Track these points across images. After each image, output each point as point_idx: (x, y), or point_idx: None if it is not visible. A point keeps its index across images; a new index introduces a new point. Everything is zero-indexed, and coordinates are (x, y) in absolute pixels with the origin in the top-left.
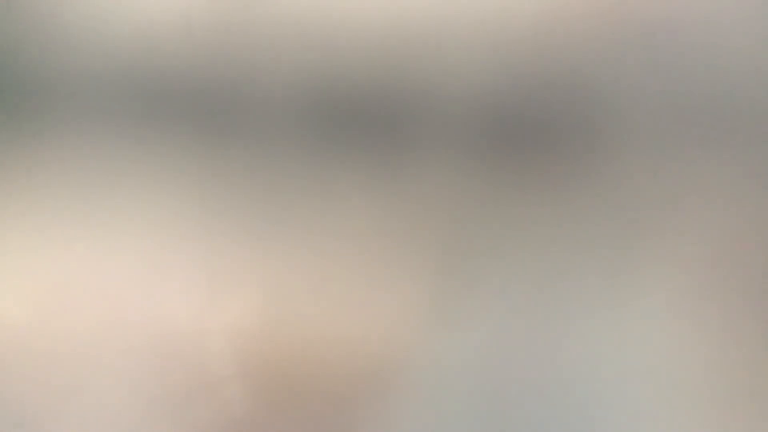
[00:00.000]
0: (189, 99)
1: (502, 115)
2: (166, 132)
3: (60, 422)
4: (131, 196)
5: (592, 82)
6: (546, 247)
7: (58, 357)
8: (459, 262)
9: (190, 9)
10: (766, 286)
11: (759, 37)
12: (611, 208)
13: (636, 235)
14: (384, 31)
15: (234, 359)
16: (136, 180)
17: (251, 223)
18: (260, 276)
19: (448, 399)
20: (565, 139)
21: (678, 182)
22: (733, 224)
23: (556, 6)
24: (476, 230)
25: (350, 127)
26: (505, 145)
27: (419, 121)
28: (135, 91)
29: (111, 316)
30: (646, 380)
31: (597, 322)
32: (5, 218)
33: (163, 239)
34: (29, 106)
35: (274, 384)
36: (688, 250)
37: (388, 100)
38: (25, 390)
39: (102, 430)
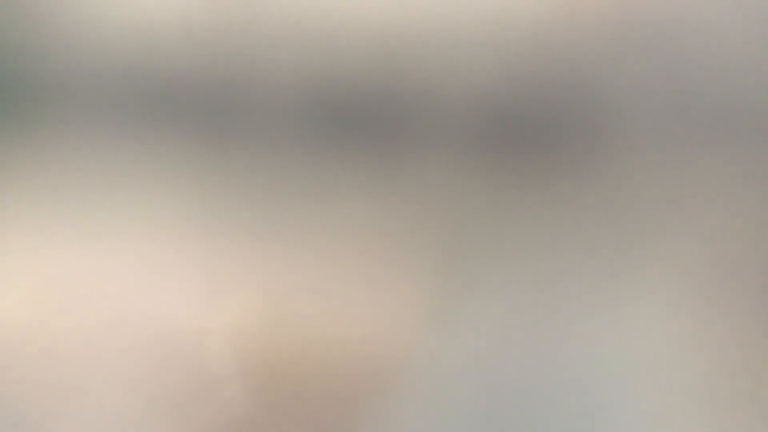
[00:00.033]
0: (189, 99)
1: (502, 115)
2: (166, 132)
3: (60, 422)
4: (131, 196)
5: (592, 82)
6: (546, 247)
7: (58, 357)
8: (459, 262)
9: (190, 9)
10: (766, 286)
11: (759, 37)
12: (611, 208)
13: (636, 235)
14: (384, 31)
15: (234, 359)
16: (136, 180)
17: (251, 223)
18: (260, 276)
19: (448, 399)
20: (565, 139)
21: (678, 182)
22: (733, 224)
23: (556, 6)
24: (476, 230)
25: (350, 127)
26: (505, 145)
27: (419, 121)
28: (135, 91)
29: (111, 316)
30: (646, 380)
31: (597, 322)
32: (5, 218)
33: (163, 239)
34: (29, 106)
35: (274, 384)
36: (688, 250)
37: (389, 101)
38: (25, 390)
39: (102, 430)
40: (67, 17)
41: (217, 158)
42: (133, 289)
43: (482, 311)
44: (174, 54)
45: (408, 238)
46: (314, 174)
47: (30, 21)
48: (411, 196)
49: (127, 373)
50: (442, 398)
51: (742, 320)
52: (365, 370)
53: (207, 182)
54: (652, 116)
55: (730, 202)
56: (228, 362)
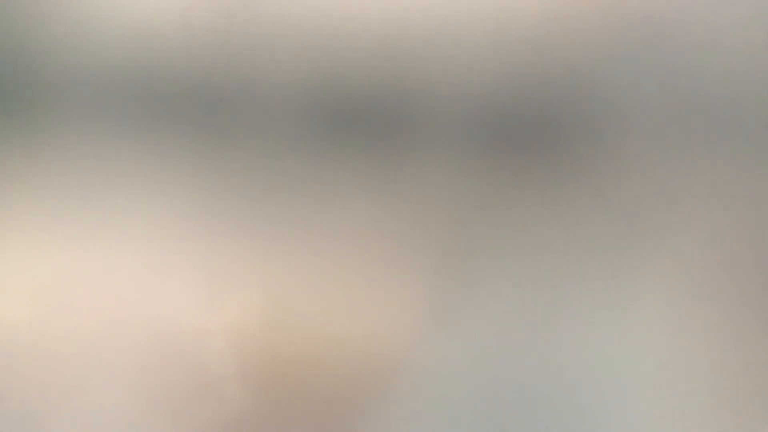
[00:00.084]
0: (189, 99)
1: (502, 115)
2: (166, 132)
3: (60, 422)
4: (131, 196)
5: (592, 82)
6: (546, 247)
7: (58, 357)
8: (459, 262)
9: (190, 9)
10: (766, 286)
11: (759, 37)
12: (611, 208)
13: (636, 235)
14: (384, 32)
15: (234, 359)
16: (136, 180)
17: (251, 223)
18: (260, 276)
19: (448, 399)
20: (565, 139)
21: (678, 182)
22: (733, 224)
23: (556, 6)
24: (476, 230)
25: (350, 127)
26: (505, 145)
27: (419, 121)
28: (135, 91)
29: (111, 316)
30: (646, 380)
31: (597, 321)
32: (5, 218)
33: (163, 239)
34: (29, 105)
35: (274, 384)
36: (688, 250)
37: (389, 100)
38: (25, 390)
39: (102, 430)
40: (67, 17)
41: (217, 158)
42: (133, 289)
43: (482, 311)
44: (174, 54)
45: (408, 238)
46: (314, 174)
47: (30, 21)
48: (411, 196)
49: (127, 373)
50: (442, 398)
51: (742, 320)
52: (365, 370)
53: (207, 182)
54: (652, 116)
55: (730, 202)
56: (228, 362)
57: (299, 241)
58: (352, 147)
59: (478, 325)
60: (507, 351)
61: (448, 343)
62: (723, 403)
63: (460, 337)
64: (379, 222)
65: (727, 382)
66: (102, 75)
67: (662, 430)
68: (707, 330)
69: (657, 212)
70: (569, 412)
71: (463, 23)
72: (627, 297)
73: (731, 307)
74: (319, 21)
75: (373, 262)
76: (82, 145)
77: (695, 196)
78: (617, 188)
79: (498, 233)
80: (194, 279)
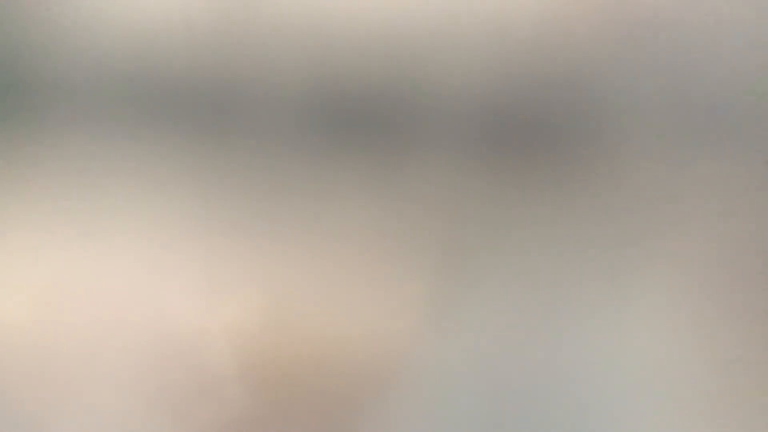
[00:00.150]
0: (189, 99)
1: (503, 115)
2: (166, 132)
3: (60, 422)
4: (131, 196)
5: (592, 82)
6: (546, 247)
7: (58, 357)
8: (459, 262)
9: (190, 9)
10: (766, 285)
11: (759, 37)
12: (611, 208)
13: (636, 235)
14: (384, 31)
15: (234, 359)
16: (136, 180)
17: (251, 224)
18: (260, 276)
19: (448, 399)
20: (565, 139)
21: (678, 182)
22: (733, 224)
23: (556, 6)
24: (476, 230)
25: (350, 127)
26: (505, 144)
27: (419, 121)
28: (135, 91)
29: (111, 315)
30: (645, 380)
31: (597, 321)
32: (5, 218)
33: (163, 239)
34: (29, 106)
35: (274, 384)
36: (687, 250)
37: (389, 100)
38: (25, 390)
39: (102, 430)
40: (67, 17)
41: (217, 158)
42: (133, 289)
43: (482, 311)
44: (174, 54)
45: (408, 238)
46: (314, 174)
47: (30, 21)
48: (411, 196)
49: (127, 373)
50: (442, 398)
51: (742, 320)
52: (365, 370)
53: (207, 183)
54: (651, 116)
55: (730, 202)
56: (228, 362)
57: (299, 241)
58: (352, 147)
59: (477, 324)
60: (507, 351)
61: (448, 342)
62: (723, 403)
63: (460, 337)
64: (379, 222)
65: (727, 382)
66: (102, 75)
67: (662, 430)
68: (707, 330)
69: (657, 212)
70: (569, 412)
71: (463, 23)
72: (627, 297)
73: (731, 307)
74: (319, 21)
75: (373, 262)
76: (82, 145)
77: (695, 196)
78: (617, 188)
79: (498, 233)
80: (194, 279)
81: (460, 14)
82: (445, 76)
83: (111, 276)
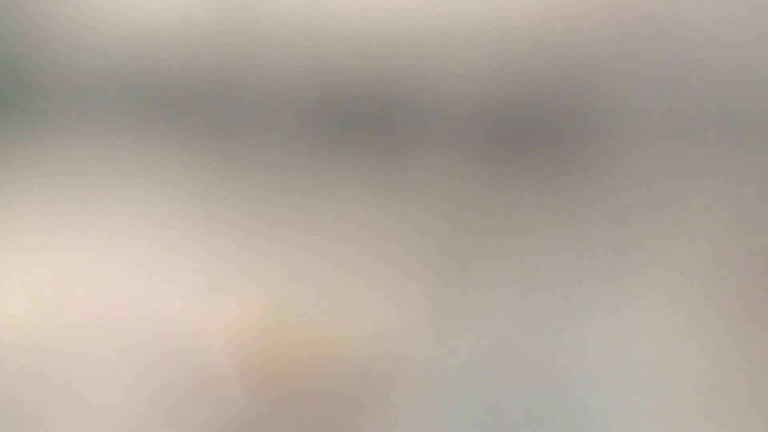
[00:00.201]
0: (189, 99)
1: (502, 115)
2: (166, 132)
3: (60, 422)
4: (131, 196)
5: (593, 81)
6: (546, 247)
7: (58, 357)
8: (459, 262)
9: (190, 9)
10: (766, 285)
11: (759, 37)
12: (611, 208)
13: (636, 235)
14: (384, 31)
15: (234, 359)
16: (136, 180)
17: (251, 224)
18: (260, 276)
19: (448, 399)
20: (566, 140)
21: (678, 182)
22: (733, 224)
23: (556, 6)
24: (476, 230)
25: (350, 127)
26: (505, 144)
27: (419, 121)
28: (135, 91)
29: (111, 315)
30: (645, 380)
31: (597, 321)
32: (5, 218)
33: (163, 239)
34: (29, 106)
35: (274, 384)
36: (687, 250)
37: (389, 100)
38: (25, 390)
39: (102, 430)
40: (67, 17)
41: (216, 158)
42: (133, 289)
43: (482, 311)
44: (174, 54)
45: (408, 238)
46: (314, 174)
47: (30, 21)
48: (411, 197)
49: (127, 372)
50: (442, 398)
51: (742, 320)
52: (365, 370)
53: (207, 182)
54: (651, 116)
55: (730, 202)
56: (228, 362)
57: (299, 241)
58: (352, 147)
59: (477, 324)
60: (506, 351)
61: (448, 342)
62: (723, 403)
63: (460, 337)
64: (379, 222)
65: (727, 382)
66: (102, 75)
67: (662, 430)
68: (707, 330)
69: (657, 212)
70: (569, 412)
71: (463, 24)
72: (627, 297)
73: (731, 307)
74: (319, 21)
75: (373, 262)
76: (82, 145)
77: (695, 196)
78: (617, 188)
79: (498, 233)
80: (194, 279)
81: (460, 14)
82: (445, 76)
83: (111, 276)
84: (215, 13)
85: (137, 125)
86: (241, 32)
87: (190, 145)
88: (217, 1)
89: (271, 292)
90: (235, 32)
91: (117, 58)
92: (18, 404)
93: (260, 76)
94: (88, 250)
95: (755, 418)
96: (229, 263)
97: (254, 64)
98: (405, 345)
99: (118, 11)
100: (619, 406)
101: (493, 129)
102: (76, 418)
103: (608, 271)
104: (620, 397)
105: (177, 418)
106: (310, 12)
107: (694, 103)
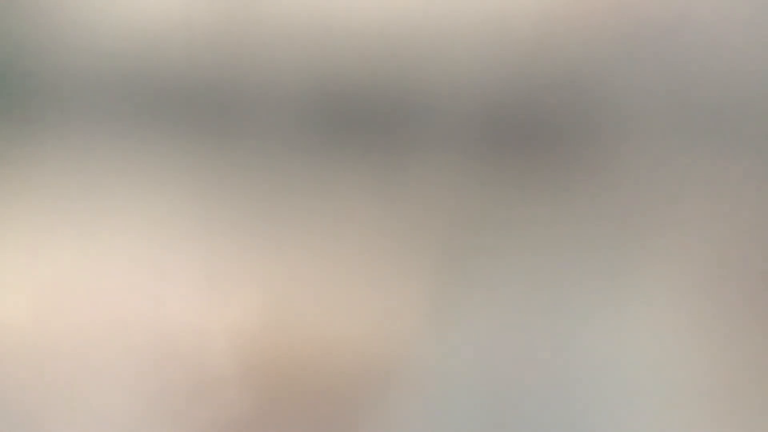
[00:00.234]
0: (189, 99)
1: (503, 115)
2: (166, 132)
3: (60, 422)
4: (131, 196)
5: (593, 82)
6: (546, 247)
7: (58, 357)
8: (459, 262)
9: (190, 9)
10: (767, 285)
11: (759, 37)
12: (611, 207)
13: (636, 234)
14: (384, 31)
15: (234, 359)
16: (136, 180)
17: (251, 224)
18: (261, 276)
19: (448, 399)
20: (566, 140)
21: (678, 182)
22: (734, 224)
23: (557, 6)
24: (476, 230)
25: (351, 128)
26: (505, 144)
27: (420, 122)
28: (135, 91)
29: (111, 316)
30: (646, 380)
31: (597, 321)
32: (5, 218)
33: (163, 239)
34: (29, 106)
35: (274, 384)
36: (688, 250)
37: (389, 101)
38: (25, 390)
39: (102, 430)
40: (67, 17)
41: (217, 158)
42: (133, 289)
43: (482, 311)
44: (174, 54)
45: (408, 238)
46: (314, 174)
47: (30, 21)
48: (411, 197)
49: (127, 373)
50: (442, 398)
51: (743, 320)
52: (365, 370)
53: (207, 182)
54: (652, 116)
55: (731, 202)
56: (228, 362)
57: (299, 241)
58: (352, 147)
59: (477, 324)
60: (506, 350)
61: (448, 342)
62: (723, 403)
63: (460, 337)
64: (379, 222)
65: (727, 382)
66: (102, 75)
67: (662, 430)
68: (707, 329)
69: (657, 212)
70: (569, 412)
71: (463, 24)
72: (627, 297)
73: (731, 307)
74: (320, 21)
75: (373, 262)
76: (82, 145)
77: (695, 196)
78: (617, 188)
79: (498, 233)
80: (194, 279)
81: (460, 14)
82: (445, 76)
83: (111, 276)
84: (215, 13)
85: (137, 125)
86: (242, 32)
87: (190, 145)
88: (217, 1)
89: (271, 292)
90: (235, 32)
91: (117, 58)
92: (18, 404)
93: (260, 76)
94: (88, 250)
95: (755, 418)
96: (229, 263)
97: (254, 64)
98: (405, 345)
99: (118, 11)
100: (619, 406)
101: (493, 129)
102: (76, 418)
103: (608, 271)
104: (620, 397)
105: (177, 418)
106: (310, 12)
107: (694, 103)
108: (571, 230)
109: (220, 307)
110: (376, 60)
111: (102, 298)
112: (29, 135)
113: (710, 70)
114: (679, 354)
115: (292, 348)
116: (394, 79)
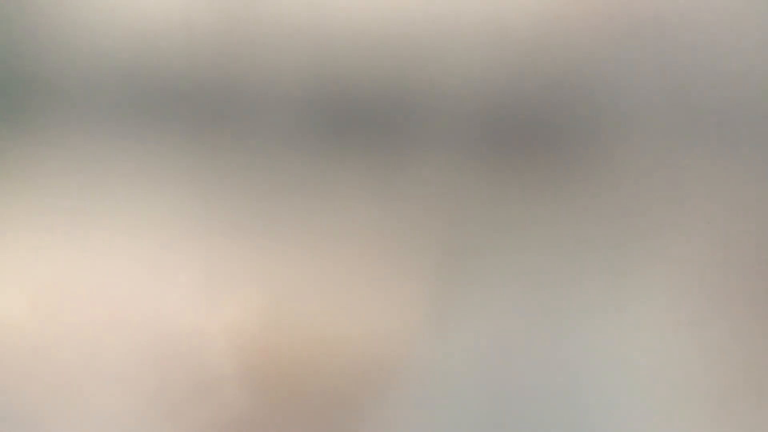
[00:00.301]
0: (189, 99)
1: (503, 115)
2: (166, 132)
3: (60, 422)
4: (131, 196)
5: (592, 82)
6: (546, 247)
7: (58, 357)
8: (458, 262)
9: (190, 9)
10: (767, 285)
11: (759, 37)
12: (611, 208)
13: (636, 235)
14: (384, 31)
15: (234, 359)
16: (136, 180)
17: (251, 223)
18: (260, 276)
19: (448, 399)
20: (566, 139)
21: (678, 182)
22: (734, 224)
23: (556, 6)
24: (476, 230)
25: (350, 127)
26: (505, 144)
27: (419, 121)
28: (135, 91)
29: (111, 316)
30: (645, 380)
31: (597, 321)
32: (5, 218)
33: (163, 239)
34: (29, 106)
35: (274, 384)
36: (688, 250)
37: (389, 101)
38: (25, 390)
39: (102, 430)
40: (67, 17)
41: (216, 158)
42: (133, 289)
43: (482, 311)
44: (174, 54)
45: (408, 238)
46: (314, 174)
47: (30, 21)
48: (411, 196)
49: (127, 373)
50: (442, 398)
51: (742, 320)
52: (365, 370)
53: (206, 182)
54: (651, 116)
55: (731, 202)
56: (228, 362)
57: (299, 241)
58: (352, 147)
59: (477, 324)
60: (506, 350)
61: (447, 342)
62: (723, 403)
63: (460, 337)
64: (379, 222)
65: (727, 382)
66: (102, 75)
67: (662, 430)
68: (707, 329)
69: (657, 212)
70: (569, 412)
71: (463, 23)
72: (627, 297)
73: (731, 307)
74: (319, 21)
75: (372, 262)
76: (82, 144)
77: (695, 196)
78: (617, 188)
79: (498, 233)
80: (194, 279)
81: (460, 14)
82: (445, 76)
83: (111, 276)
84: (215, 13)
85: (137, 125)
86: (242, 32)
87: (190, 145)
88: (217, 1)
89: (271, 292)
90: (235, 32)
91: (117, 58)
92: (18, 404)
93: (260, 76)
94: (88, 250)
95: (755, 418)
96: (229, 263)
97: (254, 64)
98: (405, 345)
99: (118, 11)
100: (619, 406)
101: (493, 129)
102: (76, 418)
103: (608, 271)
104: (620, 396)
105: (177, 418)
106: (310, 12)
107: (694, 103)
108: (571, 230)
109: (220, 307)
110: (376, 60)
111: (102, 298)
112: (29, 135)
113: (710, 70)
114: (679, 354)
115: (292, 348)
116: (394, 79)
